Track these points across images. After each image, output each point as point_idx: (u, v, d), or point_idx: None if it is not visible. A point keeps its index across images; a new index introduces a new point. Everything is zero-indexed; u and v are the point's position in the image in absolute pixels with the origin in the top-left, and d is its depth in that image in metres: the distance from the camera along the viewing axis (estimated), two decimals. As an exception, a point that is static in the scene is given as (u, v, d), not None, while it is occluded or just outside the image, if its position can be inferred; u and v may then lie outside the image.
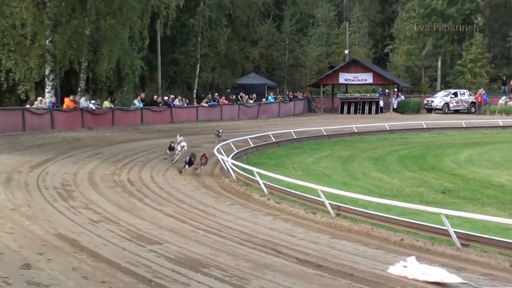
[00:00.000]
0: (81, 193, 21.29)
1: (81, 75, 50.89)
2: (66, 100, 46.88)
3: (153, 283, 11.68)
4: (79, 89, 50.45)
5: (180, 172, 26.45)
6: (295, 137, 42.66)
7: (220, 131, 34.09)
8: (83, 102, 47.45)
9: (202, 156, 27.46)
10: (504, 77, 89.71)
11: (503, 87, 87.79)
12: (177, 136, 31.22)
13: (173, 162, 29.27)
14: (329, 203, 18.52)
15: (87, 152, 32.47)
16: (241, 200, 21.42)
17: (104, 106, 49.67)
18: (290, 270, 12.94)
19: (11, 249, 13.62)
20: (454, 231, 14.94)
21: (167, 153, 30.81)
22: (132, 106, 52.46)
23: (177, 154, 29.61)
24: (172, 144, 30.55)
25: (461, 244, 14.77)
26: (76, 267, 12.56)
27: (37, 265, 12.50)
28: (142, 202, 20.30)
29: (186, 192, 21.85)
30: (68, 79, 51.87)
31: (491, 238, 14.56)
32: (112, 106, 50.32)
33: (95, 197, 20.75)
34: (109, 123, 48.14)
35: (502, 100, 76.51)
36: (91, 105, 47.76)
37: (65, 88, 50.95)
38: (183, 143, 30.12)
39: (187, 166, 26.52)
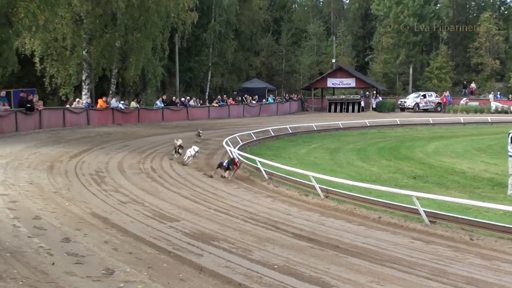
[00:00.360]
0: (112, 179, 21.26)
1: (112, 80, 51.31)
2: (100, 101, 47.48)
3: (172, 254, 11.65)
4: (110, 91, 50.89)
5: (209, 176, 22.61)
6: (290, 131, 42.66)
7: (200, 131, 32.82)
8: (113, 102, 48.09)
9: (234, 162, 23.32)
10: (464, 82, 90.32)
11: (464, 90, 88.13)
12: (175, 140, 28.09)
13: (185, 163, 25.52)
14: (319, 187, 18.52)
15: (117, 144, 32.44)
16: (245, 184, 21.38)
17: (131, 106, 50.05)
18: (287, 243, 12.93)
19: (53, 226, 13.59)
20: (424, 210, 14.95)
21: (173, 154, 27.25)
22: (154, 106, 52.63)
23: (189, 158, 25.69)
24: (177, 147, 26.97)
25: (429, 221, 14.77)
26: (107, 240, 12.56)
27: (75, 239, 12.49)
28: (162, 186, 20.25)
29: (199, 178, 21.82)
30: (101, 83, 52.09)
31: (454, 216, 14.56)
32: (138, 106, 50.68)
33: (123, 182, 20.71)
34: (135, 120, 48.44)
35: (463, 101, 77.16)
36: (120, 105, 48.50)
37: (99, 91, 51.10)
38: (196, 148, 26.52)
39: (225, 172, 22.37)
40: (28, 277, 9.76)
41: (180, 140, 27.65)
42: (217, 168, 23.02)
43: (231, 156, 24.59)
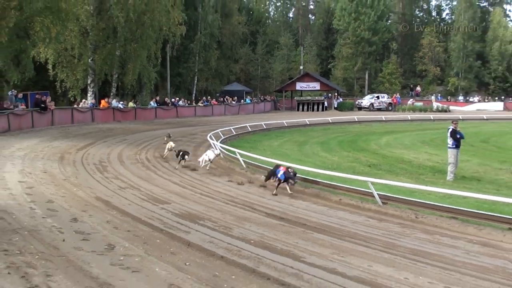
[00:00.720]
0: (113, 168, 21.15)
1: (113, 84, 51.43)
2: (102, 101, 47.85)
3: (164, 231, 11.63)
4: (111, 93, 51.17)
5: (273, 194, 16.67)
6: (265, 127, 42.58)
7: (170, 134, 31.09)
8: (114, 103, 48.64)
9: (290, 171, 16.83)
10: (411, 85, 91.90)
11: (410, 92, 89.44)
12: (170, 143, 25.69)
13: (203, 167, 21.18)
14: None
15: (117, 138, 32.30)
16: (226, 172, 21.30)
17: (129, 105, 50.36)
18: (261, 221, 12.91)
19: (63, 208, 13.52)
20: (377, 193, 14.98)
21: (179, 162, 21.85)
22: (149, 106, 52.84)
23: (206, 162, 21.20)
24: (183, 153, 21.83)
25: (382, 202, 14.81)
26: (109, 220, 12.53)
27: (82, 219, 12.45)
28: (156, 174, 20.14)
29: (188, 166, 21.69)
30: (104, 86, 52.02)
31: (402, 198, 14.61)
32: (135, 105, 50.88)
33: (122, 170, 20.60)
34: (132, 118, 48.34)
35: (410, 102, 78.30)
36: (120, 105, 48.94)
37: (102, 93, 51.17)
38: (216, 151, 22.71)
39: (287, 184, 16.71)
40: (43, 251, 9.83)
41: (171, 143, 24.75)
42: (267, 179, 17.79)
43: (277, 167, 17.51)
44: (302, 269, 9.27)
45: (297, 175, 17.11)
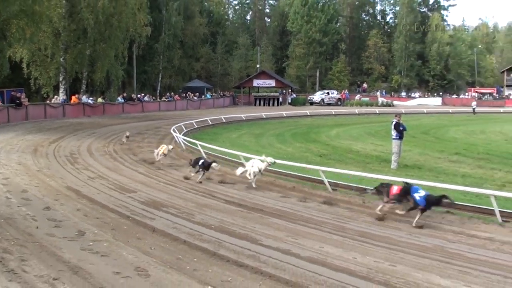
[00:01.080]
0: (83, 159, 20.89)
1: (83, 81, 51.56)
2: (73, 97, 47.72)
3: (130, 218, 11.52)
4: (82, 90, 51.21)
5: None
6: (224, 121, 42.51)
7: (128, 134, 28.96)
8: (84, 98, 48.45)
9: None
10: (358, 82, 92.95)
11: (358, 88, 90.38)
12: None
13: (251, 180, 15.76)
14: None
15: (87, 132, 32.02)
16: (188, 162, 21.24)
17: (98, 101, 50.19)
18: (221, 208, 12.85)
19: (37, 197, 13.34)
20: (328, 181, 15.06)
21: (197, 171, 16.69)
22: (116, 101, 52.73)
23: (252, 176, 15.73)
24: (207, 163, 16.48)
25: (332, 189, 14.88)
26: (79, 208, 12.36)
27: (54, 208, 12.28)
28: (123, 165, 19.91)
29: (152, 158, 21.50)
30: (74, 83, 51.83)
31: (351, 185, 14.72)
32: (103, 101, 50.73)
33: (92, 162, 20.35)
34: (101, 112, 48.12)
35: (357, 97, 78.82)
36: (89, 101, 48.83)
37: (72, 89, 50.87)
38: (264, 164, 15.79)
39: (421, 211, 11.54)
40: (18, 238, 9.75)
41: (166, 146, 20.35)
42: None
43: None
44: (259, 251, 9.26)
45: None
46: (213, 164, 16.54)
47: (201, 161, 16.78)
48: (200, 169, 16.58)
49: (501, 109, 68.93)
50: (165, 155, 19.93)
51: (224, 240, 9.90)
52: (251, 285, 7.68)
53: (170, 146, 20.69)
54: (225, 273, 8.14)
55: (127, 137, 26.49)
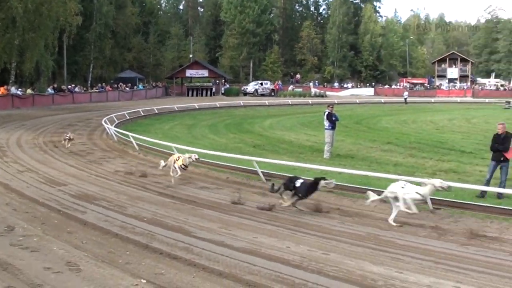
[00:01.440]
0: (12, 152, 20.44)
1: (12, 71, 50.13)
2: (1, 88, 46.19)
3: (61, 212, 11.33)
4: (10, 81, 49.91)
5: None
6: (157, 112, 42.11)
7: (68, 135, 26.23)
8: (13, 90, 47.18)
9: None
10: (292, 73, 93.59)
11: (291, 79, 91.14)
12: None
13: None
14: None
15: (16, 124, 31.27)
16: (120, 154, 20.98)
17: (27, 92, 48.80)
18: (154, 200, 12.80)
19: (-39, 191, 12.95)
20: (261, 171, 15.18)
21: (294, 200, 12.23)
22: (46, 93, 51.52)
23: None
24: (302, 182, 11.93)
25: (266, 179, 15.00)
26: (8, 203, 12.10)
27: (-20, 202, 11.96)
28: (53, 157, 19.55)
29: (84, 150, 21.16)
30: (3, 74, 50.24)
31: (284, 175, 14.82)
32: (33, 92, 49.42)
33: (21, 154, 19.92)
34: (30, 104, 46.78)
35: (290, 88, 79.66)
36: (18, 92, 47.36)
37: (0, 80, 49.25)
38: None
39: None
40: None
41: (190, 155, 15.07)
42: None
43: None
44: (192, 243, 9.26)
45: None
46: (324, 182, 11.79)
47: (299, 181, 11.92)
48: (299, 196, 11.87)
49: (432, 99, 71.02)
50: (185, 168, 14.97)
51: (157, 233, 9.86)
52: (185, 278, 7.67)
53: (194, 156, 15.00)
54: (158, 266, 8.11)
55: (69, 139, 21.76)
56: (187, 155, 15.01)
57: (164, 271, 7.91)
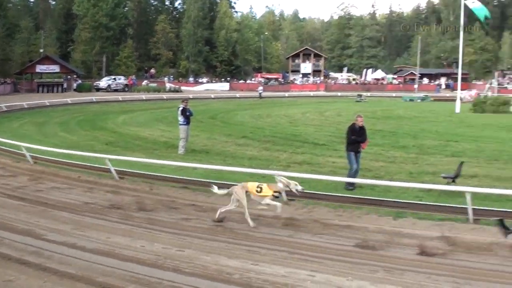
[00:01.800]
0: None
1: None
2: None
3: None
4: None
5: None
6: (5, 109, 40.37)
7: None
8: None
9: None
10: (146, 68, 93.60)
11: (145, 74, 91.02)
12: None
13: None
14: (29, 155, 17.73)
15: None
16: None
17: None
18: (1, 203, 12.23)
19: None
20: (114, 169, 15.03)
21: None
22: None
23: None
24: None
25: (119, 177, 14.90)
26: None
27: None
28: None
29: None
30: None
31: (137, 172, 14.88)
32: None
33: None
34: None
35: (144, 83, 79.80)
36: None
37: None
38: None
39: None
40: None
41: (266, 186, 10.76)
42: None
43: None
44: (42, 246, 8.98)
45: None
46: None
47: None
48: None
49: (286, 94, 73.74)
50: (278, 196, 10.55)
51: (5, 237, 9.46)
52: (35, 283, 7.44)
53: (292, 182, 10.48)
54: (6, 272, 7.80)
55: None
56: (292, 182, 10.52)
57: (14, 277, 7.61)
